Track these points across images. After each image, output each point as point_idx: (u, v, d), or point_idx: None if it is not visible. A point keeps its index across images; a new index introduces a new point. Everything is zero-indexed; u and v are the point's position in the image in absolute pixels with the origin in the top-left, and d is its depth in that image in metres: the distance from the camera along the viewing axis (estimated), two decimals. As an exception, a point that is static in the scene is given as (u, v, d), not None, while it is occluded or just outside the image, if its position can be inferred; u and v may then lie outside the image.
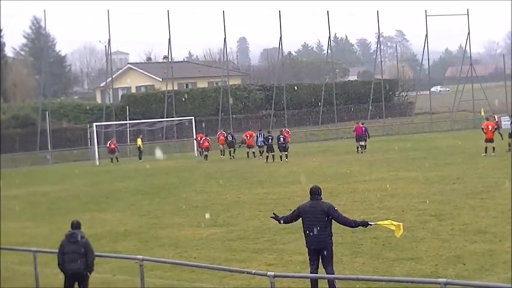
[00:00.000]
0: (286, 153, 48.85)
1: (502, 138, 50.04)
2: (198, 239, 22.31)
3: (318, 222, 14.80)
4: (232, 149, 54.96)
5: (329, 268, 14.81)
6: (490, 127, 43.37)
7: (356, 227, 15.27)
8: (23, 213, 31.23)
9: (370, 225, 15.12)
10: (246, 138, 54.70)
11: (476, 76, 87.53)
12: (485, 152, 42.58)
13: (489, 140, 43.09)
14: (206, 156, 54.13)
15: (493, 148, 42.92)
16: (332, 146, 60.76)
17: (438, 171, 35.86)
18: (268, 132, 52.15)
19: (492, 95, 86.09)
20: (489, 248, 18.26)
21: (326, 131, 77.61)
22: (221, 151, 56.09)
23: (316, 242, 14.85)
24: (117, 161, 58.68)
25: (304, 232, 15.05)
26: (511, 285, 11.56)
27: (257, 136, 52.37)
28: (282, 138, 49.10)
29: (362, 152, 51.13)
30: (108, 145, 60.13)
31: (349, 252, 18.81)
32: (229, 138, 56.05)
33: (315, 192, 15.10)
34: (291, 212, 15.57)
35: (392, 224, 14.85)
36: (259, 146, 51.83)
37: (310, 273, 14.97)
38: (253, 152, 52.63)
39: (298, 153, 53.34)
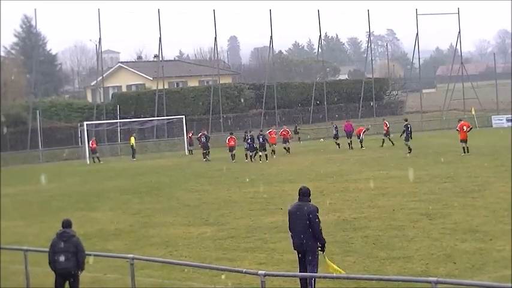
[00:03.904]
0: (266, 153, 49.04)
1: (390, 144, 53.25)
2: (188, 238, 22.30)
3: (301, 224, 14.76)
4: (206, 151, 53.08)
5: (310, 268, 14.71)
6: (465, 128, 43.80)
7: (319, 242, 14.82)
8: (13, 212, 31.14)
9: (320, 250, 14.91)
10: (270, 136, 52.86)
11: (467, 75, 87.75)
12: (464, 152, 42.88)
13: (463, 141, 43.48)
14: (233, 155, 50.29)
15: (467, 148, 43.22)
16: (323, 145, 60.76)
17: (429, 170, 35.93)
18: (261, 131, 52.06)
19: (483, 94, 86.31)
20: (480, 247, 18.30)
21: (317, 130, 77.63)
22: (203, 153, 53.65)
23: (298, 244, 14.84)
24: (99, 161, 58.52)
25: (291, 234, 15.08)
26: (498, 284, 11.56)
27: (247, 138, 50.15)
28: (261, 138, 49.00)
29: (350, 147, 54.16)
30: (90, 145, 59.80)
31: (339, 251, 18.81)
32: (203, 139, 53.95)
33: (303, 193, 15.03)
34: None
35: (335, 270, 14.75)
36: (246, 149, 49.95)
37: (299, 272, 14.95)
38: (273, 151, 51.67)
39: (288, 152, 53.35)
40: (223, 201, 29.97)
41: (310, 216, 14.66)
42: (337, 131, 57.01)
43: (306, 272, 14.80)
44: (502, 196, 25.86)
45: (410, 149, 46.48)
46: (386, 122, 55.74)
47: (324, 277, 14.49)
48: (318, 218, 14.82)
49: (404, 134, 47.78)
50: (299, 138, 67.16)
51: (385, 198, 27.66)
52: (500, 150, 43.46)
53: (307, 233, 14.69)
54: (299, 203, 15.00)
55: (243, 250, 20.02)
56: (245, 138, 50.12)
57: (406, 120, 50.19)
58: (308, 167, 42.37)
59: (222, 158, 51.24)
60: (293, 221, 14.93)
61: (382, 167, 39.19)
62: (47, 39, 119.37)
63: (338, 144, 55.65)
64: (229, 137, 51.84)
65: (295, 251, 15.15)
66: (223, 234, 22.54)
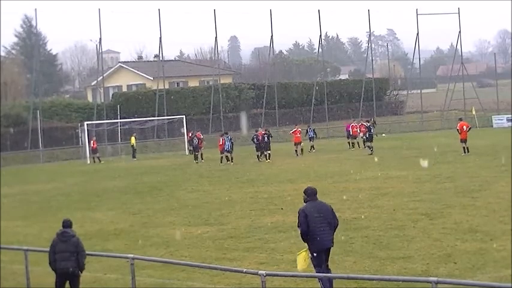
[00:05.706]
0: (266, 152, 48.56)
1: (362, 147, 52.21)
2: (189, 238, 22.31)
3: (327, 221, 14.84)
4: (197, 153, 52.07)
5: (330, 265, 14.92)
6: (464, 127, 43.83)
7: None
8: (14, 211, 31.16)
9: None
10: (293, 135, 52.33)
11: (468, 75, 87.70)
12: (464, 152, 42.86)
13: (463, 141, 43.50)
14: (226, 158, 48.77)
15: (467, 148, 43.22)
16: (323, 145, 60.66)
17: (429, 170, 35.89)
18: (256, 131, 51.78)
19: (483, 94, 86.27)
20: (480, 247, 18.31)
21: (317, 130, 77.41)
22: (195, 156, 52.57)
23: (328, 241, 14.85)
24: (100, 161, 58.46)
25: (313, 234, 14.78)
26: (498, 284, 11.57)
27: (225, 140, 48.70)
28: (255, 138, 48.72)
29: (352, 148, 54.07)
30: (91, 145, 59.64)
31: (340, 251, 18.77)
32: (195, 141, 52.98)
33: (314, 193, 15.17)
34: (298, 220, 15.07)
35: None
36: (227, 151, 48.28)
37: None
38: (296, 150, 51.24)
39: (290, 152, 53.29)
40: (224, 201, 29.98)
41: (334, 214, 15.11)
42: (314, 133, 56.14)
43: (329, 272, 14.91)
44: (502, 196, 25.86)
45: (372, 150, 47.11)
46: (364, 124, 55.33)
47: (326, 277, 14.45)
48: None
49: (367, 135, 48.25)
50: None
51: (385, 198, 27.66)
52: (500, 150, 43.42)
53: (332, 229, 14.99)
54: (314, 203, 15.06)
55: (243, 250, 20.03)
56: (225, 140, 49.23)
57: (369, 121, 50.48)
58: (308, 167, 42.34)
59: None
60: (317, 220, 14.80)
61: (382, 167, 39.17)
62: (47, 39, 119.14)
63: (312, 147, 54.87)
64: (221, 138, 50.03)
65: (316, 252, 14.91)
66: (223, 234, 22.55)
